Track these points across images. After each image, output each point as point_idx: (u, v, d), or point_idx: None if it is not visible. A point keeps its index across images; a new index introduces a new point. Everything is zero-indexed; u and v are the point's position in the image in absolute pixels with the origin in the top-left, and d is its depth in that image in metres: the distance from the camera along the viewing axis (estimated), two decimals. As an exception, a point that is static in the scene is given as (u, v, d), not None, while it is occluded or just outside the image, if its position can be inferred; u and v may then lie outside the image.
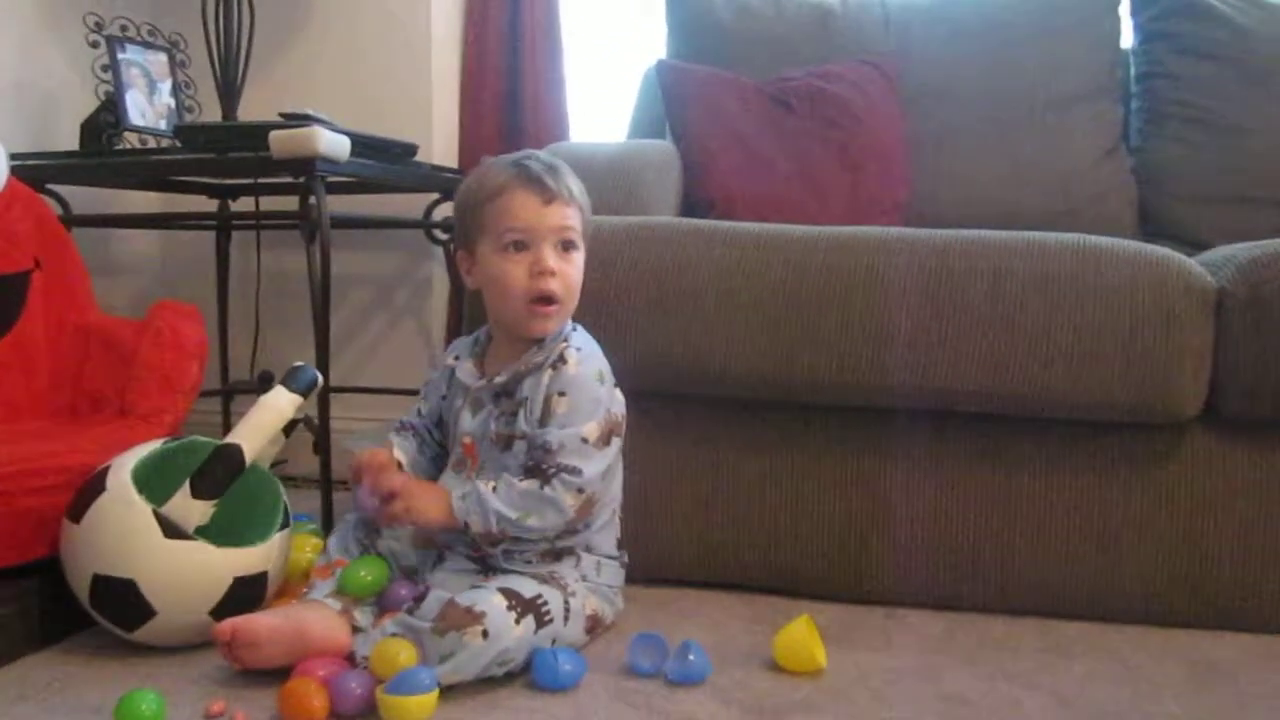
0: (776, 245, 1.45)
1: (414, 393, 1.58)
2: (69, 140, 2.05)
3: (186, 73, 2.21)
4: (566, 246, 1.33)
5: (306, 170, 1.71)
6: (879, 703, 1.18)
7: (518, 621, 1.18)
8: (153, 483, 1.27)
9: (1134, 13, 2.08)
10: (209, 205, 2.35)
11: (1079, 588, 1.44)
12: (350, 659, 1.19)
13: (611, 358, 1.37)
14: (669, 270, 1.46)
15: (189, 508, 1.25)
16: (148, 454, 1.31)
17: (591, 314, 1.43)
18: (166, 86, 2.13)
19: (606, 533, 1.39)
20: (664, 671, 1.22)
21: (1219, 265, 1.40)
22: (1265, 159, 1.91)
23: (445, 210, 2.18)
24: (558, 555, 1.33)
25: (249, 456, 1.31)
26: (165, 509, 1.24)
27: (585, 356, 1.33)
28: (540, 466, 1.28)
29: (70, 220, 1.96)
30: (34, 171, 1.87)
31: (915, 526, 1.47)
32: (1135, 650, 1.35)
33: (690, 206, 1.87)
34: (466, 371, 1.39)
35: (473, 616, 1.14)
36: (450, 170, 2.24)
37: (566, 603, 1.26)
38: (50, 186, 1.96)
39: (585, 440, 1.29)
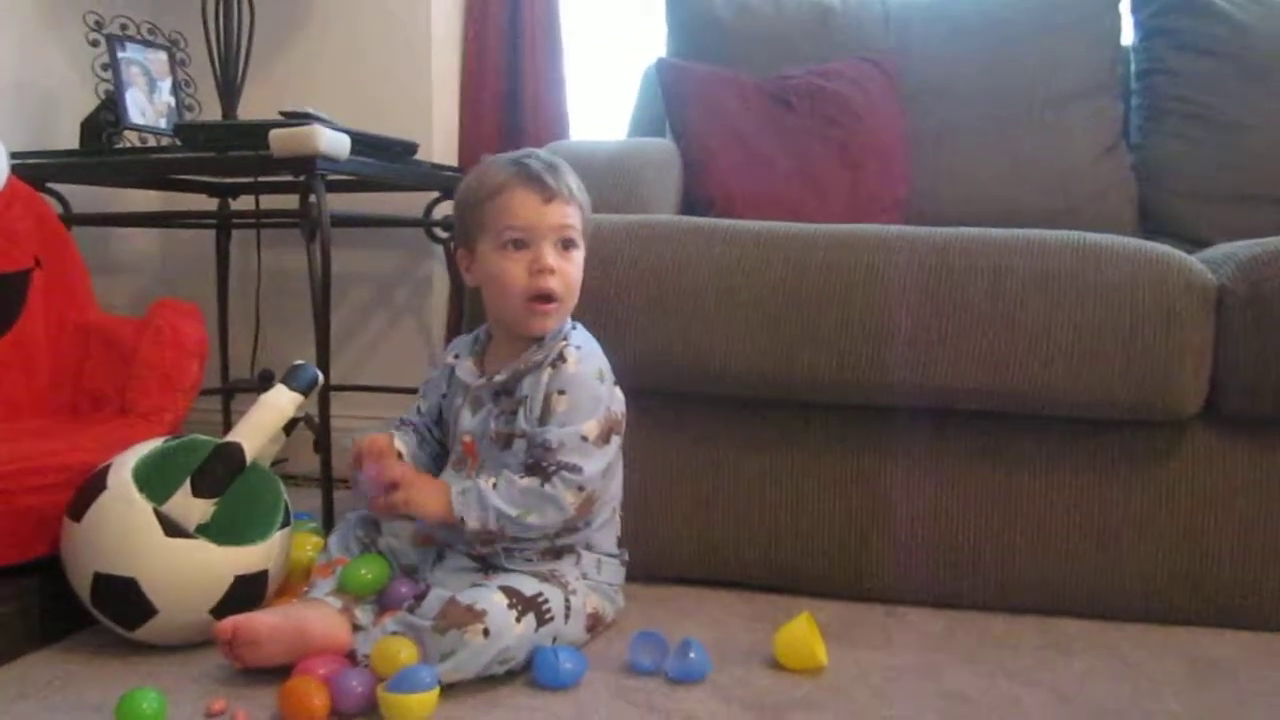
0: (776, 243, 1.45)
1: (414, 391, 1.58)
2: (69, 139, 2.05)
3: (186, 71, 2.21)
4: (566, 245, 1.33)
5: (307, 169, 1.71)
6: (879, 700, 1.18)
7: (518, 620, 1.18)
8: (153, 481, 1.27)
9: (1134, 9, 2.08)
10: (209, 204, 2.35)
11: (1079, 585, 1.44)
12: (351, 657, 1.19)
13: (611, 356, 1.37)
14: (669, 268, 1.46)
15: (190, 506, 1.25)
16: (148, 452, 1.31)
17: (591, 312, 1.43)
18: (166, 85, 2.13)
19: (607, 531, 1.39)
20: (664, 669, 1.22)
21: (1219, 263, 1.40)
22: (1265, 156, 1.91)
23: (445, 209, 2.18)
24: (558, 553, 1.33)
25: (249, 455, 1.31)
26: (166, 507, 1.24)
27: (585, 355, 1.33)
28: (540, 464, 1.28)
29: (70, 219, 1.96)
30: (34, 170, 1.87)
31: (915, 524, 1.47)
32: (1135, 648, 1.35)
33: (690, 205, 1.87)
34: (466, 370, 1.39)
35: (474, 615, 1.15)
36: (450, 169, 2.24)
37: (567, 601, 1.26)
38: (50, 185, 1.96)
39: (585, 438, 1.29)
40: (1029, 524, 1.44)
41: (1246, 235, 1.49)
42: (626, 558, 1.43)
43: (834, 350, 1.40)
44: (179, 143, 1.92)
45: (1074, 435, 1.43)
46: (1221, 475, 1.40)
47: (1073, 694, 1.20)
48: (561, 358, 1.31)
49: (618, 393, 1.37)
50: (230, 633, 1.17)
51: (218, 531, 1.26)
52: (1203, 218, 1.92)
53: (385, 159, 1.96)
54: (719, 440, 1.52)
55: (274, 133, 1.70)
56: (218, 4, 2.09)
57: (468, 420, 1.37)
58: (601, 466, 1.31)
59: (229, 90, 2.12)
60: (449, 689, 1.13)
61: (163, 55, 2.15)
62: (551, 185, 1.31)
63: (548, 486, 1.27)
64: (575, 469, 1.28)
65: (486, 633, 1.14)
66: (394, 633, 1.17)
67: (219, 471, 1.28)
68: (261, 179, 2.07)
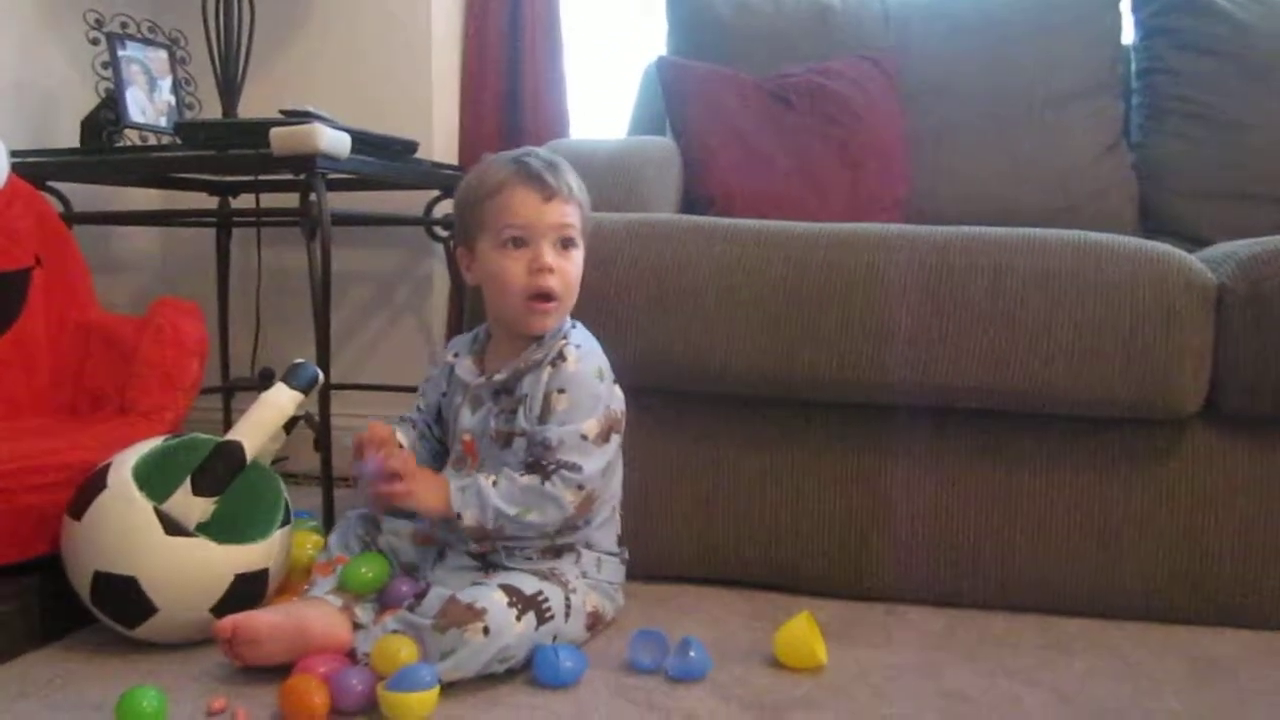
0: (777, 242, 1.45)
1: (414, 390, 1.58)
2: (69, 137, 2.05)
3: (187, 70, 2.21)
4: (565, 244, 1.33)
5: (307, 167, 1.71)
6: (879, 699, 1.18)
7: (518, 618, 1.18)
8: (154, 480, 1.27)
9: (1134, 8, 2.08)
10: (209, 202, 2.35)
11: (1079, 584, 1.44)
12: (351, 656, 1.19)
13: (612, 355, 1.38)
14: (669, 267, 1.46)
15: (190, 505, 1.25)
16: (149, 451, 1.32)
17: (592, 311, 1.43)
18: (167, 83, 2.13)
19: (607, 529, 1.39)
20: (664, 668, 1.22)
21: (1219, 262, 1.40)
22: (1266, 155, 1.91)
23: (445, 207, 2.18)
24: (558, 552, 1.33)
25: (250, 453, 1.31)
26: (166, 506, 1.24)
27: (585, 353, 1.33)
28: (540, 462, 1.28)
29: (71, 217, 1.96)
30: (34, 169, 1.87)
31: (916, 523, 1.47)
32: (1136, 647, 1.35)
33: (690, 203, 1.87)
34: (466, 369, 1.39)
35: (474, 613, 1.15)
36: (450, 167, 2.24)
37: (567, 599, 1.26)
38: (51, 184, 1.96)
39: (585, 437, 1.29)
40: (1029, 522, 1.44)
41: (1247, 234, 1.49)
42: (626, 556, 1.43)
43: (834, 349, 1.40)
44: (179, 141, 1.92)
45: (1074, 434, 1.43)
46: (1221, 474, 1.40)
47: (1073, 693, 1.20)
48: (561, 356, 1.31)
49: (617, 391, 1.37)
50: (230, 631, 1.17)
51: (218, 530, 1.26)
52: (1203, 217, 1.92)
53: (385, 157, 1.96)
54: (719, 439, 1.52)
55: (274, 131, 1.70)
56: (218, 2, 2.09)
57: (467, 419, 1.37)
58: (601, 465, 1.31)
59: (229, 89, 2.12)
60: (449, 687, 1.13)
61: (163, 54, 2.15)
62: (551, 184, 1.31)
63: (548, 485, 1.27)
64: (575, 467, 1.28)
65: (486, 631, 1.14)
66: (394, 631, 1.17)
67: (219, 470, 1.28)
68: (262, 177, 2.07)
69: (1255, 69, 1.93)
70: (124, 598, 1.23)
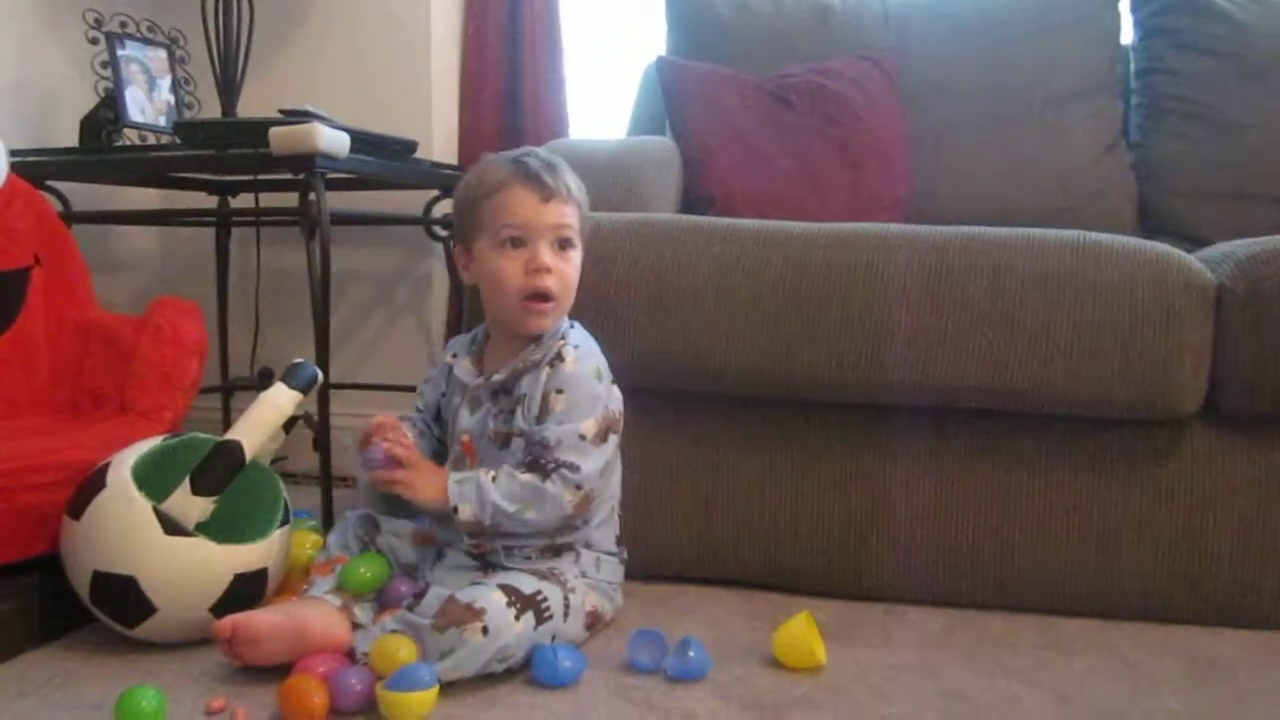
0: (776, 242, 1.45)
1: (413, 389, 1.58)
2: (69, 137, 2.05)
3: (186, 69, 2.21)
4: (563, 244, 1.33)
5: (306, 167, 1.71)
6: (878, 699, 1.18)
7: (517, 618, 1.18)
8: (153, 479, 1.27)
9: (1134, 8, 2.08)
10: (209, 202, 2.35)
11: (1078, 584, 1.44)
12: (350, 655, 1.19)
13: (611, 355, 1.38)
14: (669, 267, 1.46)
15: (189, 504, 1.25)
16: (148, 451, 1.31)
17: (591, 311, 1.43)
18: (166, 83, 2.13)
19: (605, 529, 1.39)
20: (663, 668, 1.22)
21: (1218, 262, 1.40)
22: (1265, 155, 1.91)
23: (445, 207, 2.18)
24: (557, 551, 1.33)
25: (249, 453, 1.31)
26: (165, 506, 1.24)
27: (583, 354, 1.33)
28: (539, 461, 1.28)
29: (70, 217, 1.96)
30: (34, 168, 1.87)
31: (915, 523, 1.47)
32: (1135, 647, 1.35)
33: (690, 203, 1.87)
34: (464, 369, 1.39)
35: (473, 613, 1.15)
36: (450, 167, 2.24)
37: (566, 599, 1.26)
38: (50, 183, 1.96)
39: (583, 437, 1.29)
40: (1028, 523, 1.44)
41: (1246, 234, 1.48)
42: (625, 556, 1.43)
43: (834, 349, 1.40)
44: (178, 141, 1.92)
45: (1073, 434, 1.43)
46: (1220, 474, 1.40)
47: (1072, 693, 1.20)
48: (560, 357, 1.31)
49: (615, 391, 1.37)
50: (230, 631, 1.17)
51: (217, 529, 1.26)
52: (1202, 217, 1.92)
53: (385, 157, 1.96)
54: (719, 439, 1.52)
55: (274, 131, 1.70)
56: (217, 2, 2.09)
57: (466, 419, 1.37)
58: (599, 465, 1.31)
59: (228, 88, 2.12)
60: (448, 687, 1.13)
61: (162, 53, 2.15)
62: (550, 184, 1.31)
63: (548, 483, 1.27)
64: (573, 467, 1.28)
65: (485, 631, 1.14)
66: (393, 631, 1.17)
67: (218, 469, 1.28)
68: (261, 177, 2.08)
69: (1254, 69, 1.93)
70: (123, 597, 1.23)
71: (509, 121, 2.31)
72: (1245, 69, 1.94)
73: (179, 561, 1.23)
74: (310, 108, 1.84)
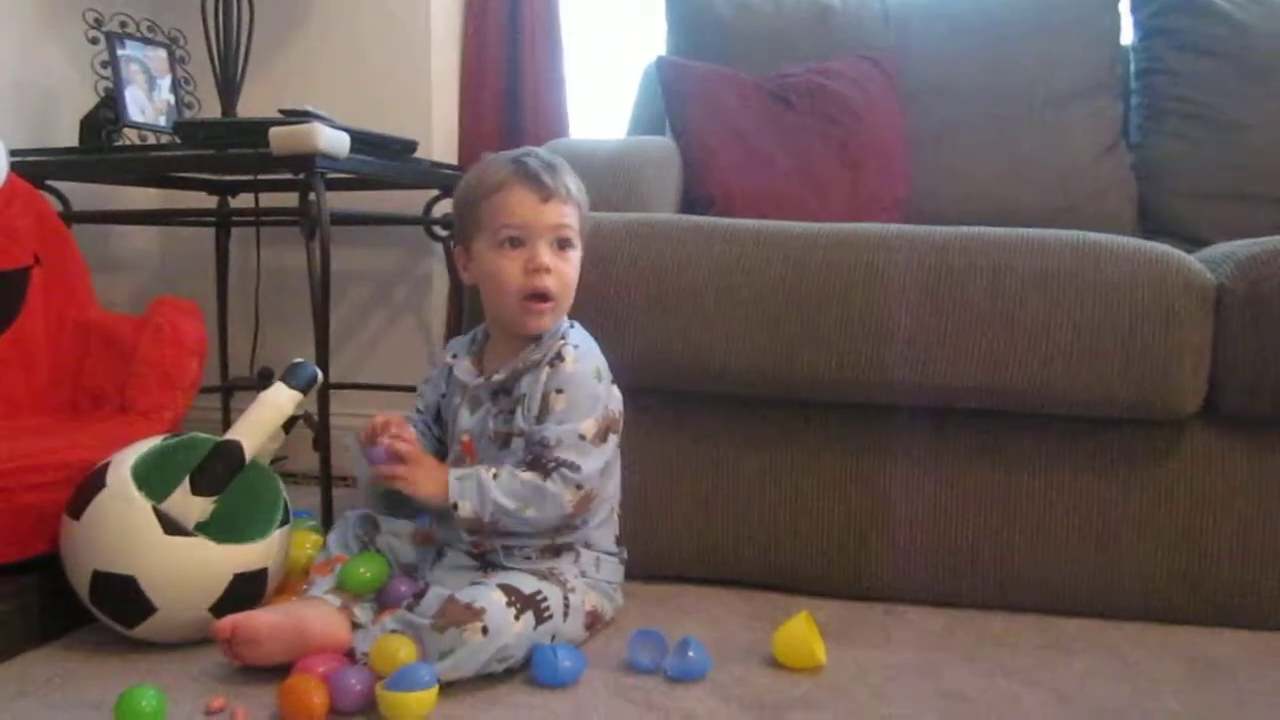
0: (776, 242, 1.45)
1: (413, 389, 1.58)
2: (69, 136, 2.05)
3: (186, 69, 2.21)
4: (563, 244, 1.33)
5: (306, 167, 1.71)
6: (878, 699, 1.18)
7: (517, 618, 1.18)
8: (153, 479, 1.27)
9: (1134, 9, 2.08)
10: (209, 201, 2.35)
11: (1078, 584, 1.44)
12: (350, 655, 1.19)
13: (611, 355, 1.38)
14: (669, 267, 1.46)
15: (189, 504, 1.25)
16: (148, 450, 1.31)
17: (591, 311, 1.43)
18: (166, 83, 2.13)
19: (605, 529, 1.39)
20: (663, 668, 1.22)
21: (1218, 262, 1.40)
22: (1265, 155, 1.91)
23: (445, 207, 2.17)
24: (557, 551, 1.33)
25: (249, 453, 1.31)
26: (165, 505, 1.24)
27: (583, 354, 1.33)
28: (540, 460, 1.28)
29: (70, 216, 1.96)
30: (34, 168, 1.87)
31: (915, 523, 1.47)
32: (1134, 647, 1.35)
33: (690, 203, 1.87)
34: (464, 369, 1.39)
35: (472, 613, 1.15)
36: (450, 167, 2.24)
37: (566, 599, 1.26)
38: (50, 183, 1.96)
39: (583, 436, 1.29)
40: (1028, 523, 1.44)
41: (1246, 235, 1.49)
42: (625, 556, 1.43)
43: (834, 349, 1.40)
44: (178, 140, 1.92)
45: (1073, 434, 1.43)
46: (1220, 474, 1.40)
47: (1072, 693, 1.20)
48: (559, 356, 1.31)
49: (615, 391, 1.37)
50: (229, 631, 1.17)
51: (217, 529, 1.26)
52: (1202, 217, 1.92)
53: (385, 157, 1.96)
54: (718, 439, 1.52)
55: (273, 131, 1.70)
56: (217, 2, 2.09)
57: (466, 419, 1.37)
58: (599, 465, 1.31)
59: (229, 88, 2.12)
60: (448, 687, 1.13)
61: (162, 53, 2.15)
62: (549, 184, 1.31)
63: (548, 482, 1.27)
64: (574, 466, 1.28)
65: (485, 631, 1.14)
66: (393, 631, 1.17)
67: (218, 469, 1.28)
68: (261, 177, 2.08)
69: (1254, 69, 1.93)
70: (123, 597, 1.23)
71: (509, 121, 2.31)
72: (1245, 69, 1.94)
73: (179, 561, 1.23)
74: (310, 108, 1.84)
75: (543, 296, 1.31)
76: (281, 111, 1.86)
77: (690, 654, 1.21)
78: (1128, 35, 2.09)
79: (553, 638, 1.23)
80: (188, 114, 2.19)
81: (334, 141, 1.71)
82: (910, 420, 1.46)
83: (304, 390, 1.38)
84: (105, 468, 1.28)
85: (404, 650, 1.13)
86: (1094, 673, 1.26)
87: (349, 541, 1.36)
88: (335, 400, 1.86)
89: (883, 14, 2.10)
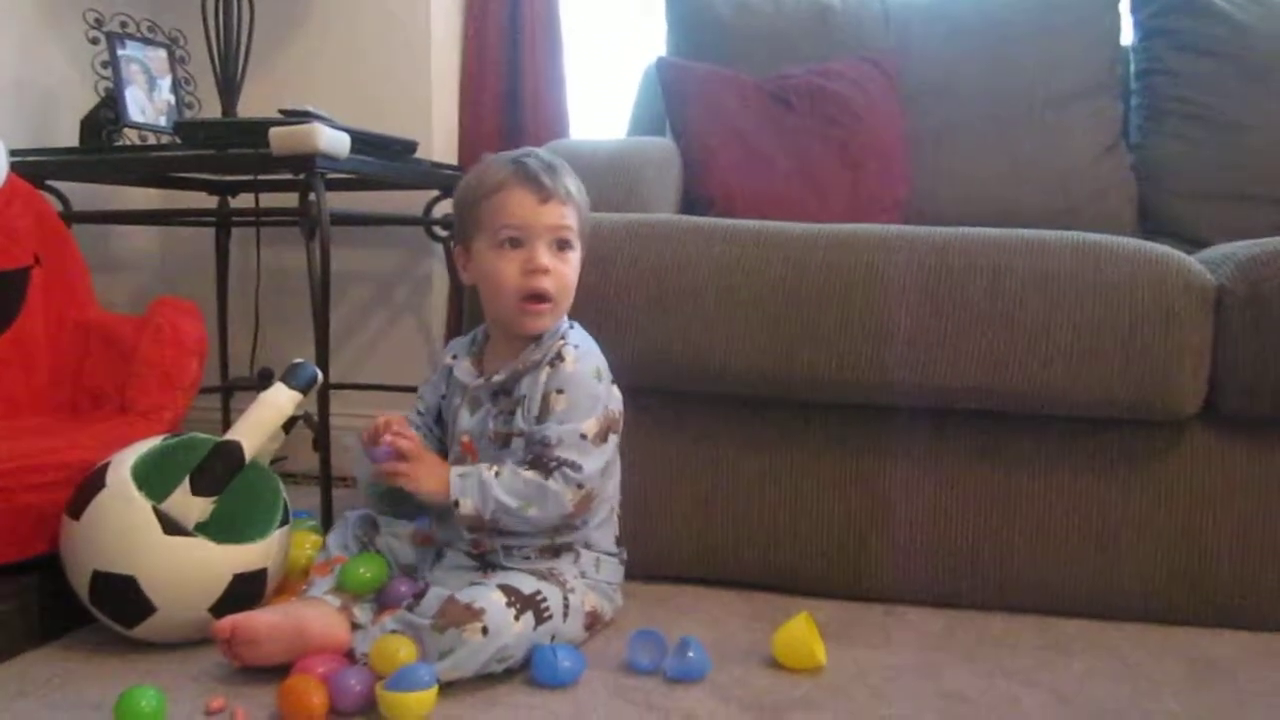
0: (776, 243, 1.45)
1: (413, 390, 1.58)
2: (69, 136, 2.05)
3: (186, 69, 2.21)
4: (561, 245, 1.33)
5: (306, 167, 1.71)
6: (878, 700, 1.18)
7: (517, 618, 1.18)
8: (152, 479, 1.27)
9: (1134, 9, 2.08)
10: (209, 202, 2.35)
11: (1078, 585, 1.44)
12: (350, 656, 1.19)
13: (611, 355, 1.38)
14: (669, 267, 1.46)
15: (188, 504, 1.25)
16: (147, 450, 1.31)
17: (591, 311, 1.43)
18: (166, 83, 2.13)
19: (605, 529, 1.39)
20: (663, 668, 1.22)
21: (1218, 263, 1.40)
22: (1265, 156, 1.91)
23: (445, 207, 2.17)
24: (557, 552, 1.33)
25: (249, 453, 1.31)
26: (165, 506, 1.24)
27: (583, 354, 1.33)
28: (541, 460, 1.28)
29: (70, 216, 1.96)
30: (34, 168, 1.87)
31: (914, 524, 1.47)
32: (1134, 648, 1.35)
33: (690, 204, 1.87)
34: (464, 370, 1.39)
35: (472, 613, 1.15)
36: (450, 167, 2.24)
37: (565, 599, 1.26)
38: (50, 183, 1.96)
39: (584, 436, 1.29)
40: (1028, 524, 1.44)
41: (1246, 235, 1.49)
42: (625, 556, 1.43)
43: (834, 349, 1.40)
44: (179, 140, 1.92)
45: (1073, 435, 1.43)
46: (1220, 475, 1.40)
47: (1072, 694, 1.20)
48: (560, 357, 1.31)
49: (615, 391, 1.37)
50: (229, 631, 1.17)
51: (216, 530, 1.26)
52: (1202, 218, 1.92)
53: (385, 157, 1.96)
54: (718, 439, 1.52)
55: (274, 131, 1.70)
56: (217, 2, 2.09)
57: (466, 420, 1.37)
58: (600, 465, 1.31)
59: (229, 88, 2.12)
60: (447, 687, 1.13)
61: (162, 53, 2.15)
62: (548, 185, 1.31)
63: (550, 481, 1.27)
64: (575, 466, 1.28)
65: (485, 631, 1.14)
66: (393, 631, 1.17)
67: (218, 470, 1.28)
68: (261, 177, 2.07)
69: (1254, 70, 1.93)
70: (122, 597, 1.23)
71: (509, 121, 2.31)
72: (1245, 70, 1.94)
73: (178, 561, 1.23)
74: (310, 108, 1.84)
75: (541, 297, 1.31)
76: (281, 112, 1.86)
77: (690, 654, 1.21)
78: (1128, 36, 2.09)
79: (552, 638, 1.23)
80: (188, 114, 2.19)
81: (334, 142, 1.71)
82: (910, 421, 1.46)
83: (304, 391, 1.38)
84: (105, 468, 1.28)
85: (404, 650, 1.13)
86: (1094, 673, 1.26)
87: (349, 542, 1.36)
88: (335, 401, 1.86)
89: (883, 15, 2.10)
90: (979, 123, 2.01)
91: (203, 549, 1.24)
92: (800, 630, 1.24)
